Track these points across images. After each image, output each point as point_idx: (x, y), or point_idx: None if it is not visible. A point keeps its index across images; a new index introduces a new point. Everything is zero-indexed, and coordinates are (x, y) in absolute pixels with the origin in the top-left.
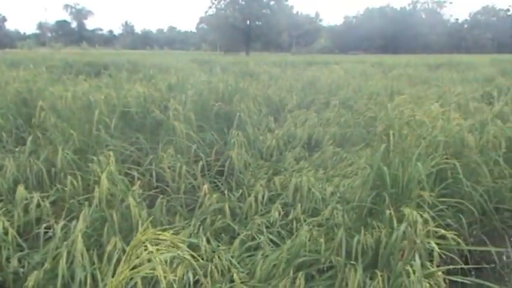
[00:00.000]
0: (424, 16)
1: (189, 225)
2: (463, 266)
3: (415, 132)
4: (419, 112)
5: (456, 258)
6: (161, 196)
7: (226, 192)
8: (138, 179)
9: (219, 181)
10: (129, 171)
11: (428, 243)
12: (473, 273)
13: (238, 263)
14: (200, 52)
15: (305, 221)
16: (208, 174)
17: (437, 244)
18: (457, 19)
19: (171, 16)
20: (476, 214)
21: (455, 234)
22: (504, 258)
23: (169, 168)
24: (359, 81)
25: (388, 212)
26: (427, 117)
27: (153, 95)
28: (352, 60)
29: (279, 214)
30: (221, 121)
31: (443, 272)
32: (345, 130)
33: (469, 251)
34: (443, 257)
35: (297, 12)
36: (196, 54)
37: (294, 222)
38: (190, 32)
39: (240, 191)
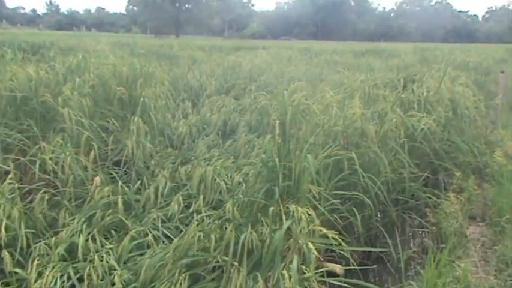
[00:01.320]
0: (353, 4)
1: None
2: (352, 267)
3: (311, 121)
4: (313, 100)
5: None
6: (43, 190)
7: (122, 184)
8: (18, 170)
9: (117, 172)
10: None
11: (313, 243)
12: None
13: (126, 263)
14: (130, 35)
15: (206, 213)
16: (105, 164)
17: (324, 244)
18: (384, 8)
19: None
20: (372, 207)
21: (350, 230)
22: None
23: (52, 158)
24: (282, 66)
25: (273, 208)
26: (321, 105)
27: (48, 78)
28: (281, 45)
29: (179, 207)
30: (126, 107)
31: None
32: (261, 117)
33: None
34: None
35: None
36: (122, 37)
37: (195, 215)
38: (120, 13)
39: (140, 182)
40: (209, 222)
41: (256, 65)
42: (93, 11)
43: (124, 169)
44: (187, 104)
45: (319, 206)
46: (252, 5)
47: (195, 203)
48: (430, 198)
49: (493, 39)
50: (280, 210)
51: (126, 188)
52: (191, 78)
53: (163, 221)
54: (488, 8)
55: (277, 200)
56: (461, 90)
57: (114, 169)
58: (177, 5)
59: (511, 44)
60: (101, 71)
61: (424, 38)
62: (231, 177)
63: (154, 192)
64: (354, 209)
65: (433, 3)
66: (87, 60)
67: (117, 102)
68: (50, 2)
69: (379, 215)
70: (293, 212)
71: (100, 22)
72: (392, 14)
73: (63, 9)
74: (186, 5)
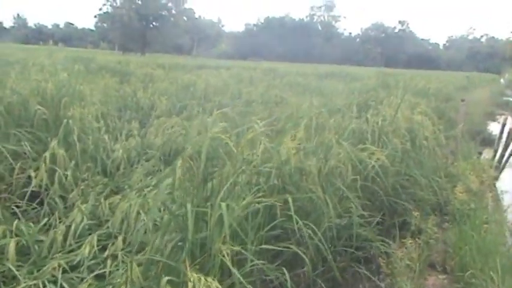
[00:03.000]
0: (320, 28)
1: None
2: None
3: (235, 156)
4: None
5: None
6: None
7: (25, 221)
8: None
9: (20, 207)
10: None
11: None
12: None
13: None
14: (96, 51)
15: (123, 259)
16: (9, 197)
17: None
18: (350, 33)
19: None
20: (308, 262)
21: None
22: None
23: None
24: (241, 87)
25: (168, 278)
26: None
27: None
28: (247, 66)
29: (91, 250)
30: (50, 129)
31: None
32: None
33: None
34: None
35: (199, 16)
36: (84, 52)
37: (109, 261)
38: (88, 29)
39: (49, 218)
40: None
41: (212, 85)
42: (61, 25)
43: (36, 202)
44: (133, 124)
45: (234, 272)
46: (222, 26)
47: (113, 244)
48: (384, 244)
49: (453, 67)
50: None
51: (24, 227)
52: (141, 97)
53: (65, 271)
54: (449, 37)
55: (184, 261)
56: (420, 119)
57: (19, 203)
58: (144, 22)
59: (470, 72)
60: (22, 87)
61: (388, 64)
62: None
63: (64, 231)
64: (284, 268)
65: (396, 30)
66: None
67: (40, 123)
68: (18, 15)
69: (321, 269)
70: (193, 280)
71: (68, 37)
72: (357, 40)
73: (31, 23)
74: (154, 23)
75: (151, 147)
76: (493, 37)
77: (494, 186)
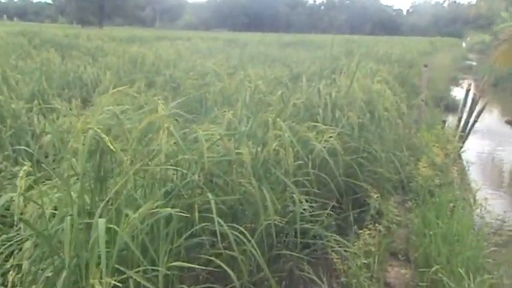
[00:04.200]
0: None
1: None
2: None
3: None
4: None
5: None
6: None
7: None
8: None
9: None
10: None
11: None
12: None
13: None
14: (53, 25)
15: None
16: None
17: None
18: (315, 1)
19: None
20: (235, 278)
21: None
22: None
23: None
24: (198, 58)
25: None
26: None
27: None
28: (207, 37)
29: None
30: None
31: None
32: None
33: None
34: None
35: None
36: (32, 26)
37: (11, 273)
38: (45, 2)
39: None
40: None
41: (165, 58)
42: None
43: None
44: (74, 102)
45: None
46: None
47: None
48: (337, 238)
49: (417, 33)
50: None
51: None
52: (84, 72)
53: None
54: (412, 3)
55: None
56: (379, 89)
57: None
58: None
59: (434, 37)
60: None
61: (353, 31)
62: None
63: None
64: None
65: None
66: None
67: None
68: None
69: (258, 276)
70: None
71: (24, 11)
72: (322, 7)
73: None
74: None
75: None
76: (454, 1)
77: (460, 158)
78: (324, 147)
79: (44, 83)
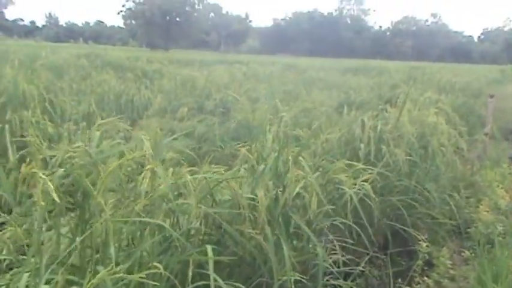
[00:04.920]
0: (349, 22)
1: None
2: None
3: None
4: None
5: None
6: None
7: None
8: None
9: None
10: None
11: None
12: None
13: None
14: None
15: None
16: None
17: None
18: (381, 26)
19: (99, 10)
20: None
21: None
22: None
23: None
24: (252, 83)
25: None
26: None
27: None
28: (268, 61)
29: None
30: None
31: None
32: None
33: None
34: None
35: (227, 12)
36: (99, 49)
37: None
38: (118, 27)
39: None
40: None
41: (218, 82)
42: (92, 24)
43: None
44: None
45: None
46: (250, 21)
47: None
48: None
49: (488, 60)
50: None
51: None
52: (136, 94)
53: None
54: (484, 29)
55: None
56: (434, 121)
57: None
58: (168, 18)
59: (505, 65)
60: None
61: (420, 57)
62: None
63: None
64: None
65: (428, 23)
66: None
67: None
68: (50, 14)
69: None
70: None
71: (98, 35)
72: (388, 33)
73: (63, 21)
74: (177, 19)
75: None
76: None
77: None
78: (360, 190)
79: (93, 105)
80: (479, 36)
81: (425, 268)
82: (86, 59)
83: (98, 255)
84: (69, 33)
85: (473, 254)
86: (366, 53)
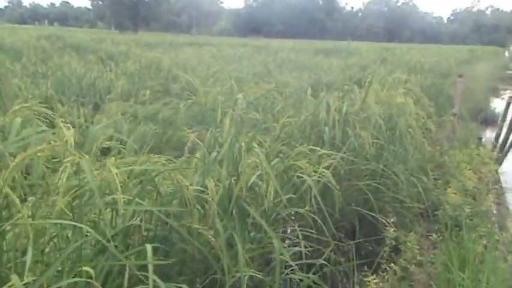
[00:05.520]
0: (321, 3)
1: None
2: None
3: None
4: None
5: None
6: None
7: None
8: None
9: None
10: None
11: None
12: None
13: None
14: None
15: None
16: None
17: None
18: (352, 7)
19: None
20: None
21: None
22: None
23: None
24: (220, 65)
25: None
26: None
27: None
28: (239, 43)
29: None
30: None
31: None
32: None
33: None
34: None
35: None
36: (64, 31)
37: None
38: (85, 8)
39: None
40: None
41: (187, 64)
42: (57, 5)
43: None
44: (82, 111)
45: None
46: (221, 3)
47: None
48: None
49: (457, 41)
50: None
51: None
52: (99, 77)
53: None
54: (453, 10)
55: None
56: (402, 103)
57: None
58: None
59: (474, 45)
60: None
61: (391, 39)
62: None
63: None
64: None
65: (399, 4)
66: None
67: None
68: None
69: None
70: None
71: (64, 17)
72: (360, 14)
73: (26, 2)
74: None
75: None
76: (498, 9)
77: (499, 182)
78: (320, 178)
79: (50, 89)
80: (448, 17)
81: (393, 254)
82: (47, 40)
83: (11, 263)
84: (34, 15)
85: (440, 238)
86: (338, 35)
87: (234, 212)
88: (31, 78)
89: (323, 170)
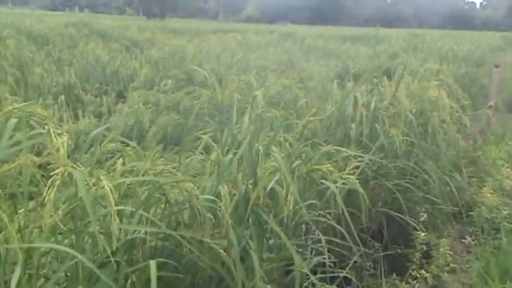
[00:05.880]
0: None
1: None
2: None
3: None
4: None
5: None
6: None
7: None
8: None
9: None
10: None
11: None
12: None
13: None
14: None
15: None
16: None
17: None
18: None
19: None
20: None
21: None
22: None
23: None
24: (246, 53)
25: None
26: None
27: None
28: (265, 30)
29: None
30: None
31: None
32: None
33: None
34: None
35: None
36: (92, 18)
37: None
38: None
39: None
40: None
41: (211, 52)
42: None
43: None
44: (104, 99)
45: None
46: None
47: None
48: None
49: (490, 27)
50: None
51: None
52: (123, 65)
53: None
54: None
55: None
56: (435, 95)
57: None
58: None
59: (508, 31)
60: None
61: (421, 25)
62: None
63: None
64: None
65: None
66: None
67: None
68: None
69: None
70: None
71: (94, 3)
72: (388, 0)
73: None
74: None
75: (112, 128)
76: None
77: None
78: (345, 184)
79: (73, 76)
80: (481, 3)
81: (424, 258)
82: (74, 27)
83: None
84: (65, 1)
85: (475, 241)
86: (366, 21)
87: (250, 220)
88: (56, 66)
89: (348, 176)
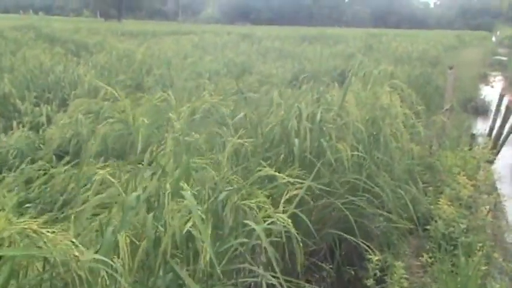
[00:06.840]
0: None
1: None
2: None
3: None
4: None
5: None
6: None
7: None
8: None
9: None
10: None
11: None
12: None
13: None
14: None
15: None
16: None
17: None
18: None
19: None
20: None
21: None
22: None
23: None
24: (199, 56)
25: None
26: None
27: None
28: (223, 31)
29: None
30: None
31: None
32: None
33: None
34: None
35: None
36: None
37: None
38: None
39: None
40: None
41: (163, 55)
42: None
43: None
44: (44, 108)
45: None
46: None
47: None
48: None
49: (444, 26)
50: None
51: None
52: (66, 71)
53: None
54: None
55: None
56: (387, 103)
57: None
58: None
59: (461, 30)
60: None
61: (377, 24)
62: None
63: None
64: None
65: None
66: None
67: None
68: None
69: None
70: None
71: (49, 6)
72: (346, 0)
73: None
74: None
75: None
76: None
77: (493, 186)
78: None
79: (10, 84)
80: (435, 2)
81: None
82: (20, 31)
83: None
84: (18, 3)
85: (432, 259)
86: (325, 20)
87: (160, 272)
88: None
89: (279, 216)
